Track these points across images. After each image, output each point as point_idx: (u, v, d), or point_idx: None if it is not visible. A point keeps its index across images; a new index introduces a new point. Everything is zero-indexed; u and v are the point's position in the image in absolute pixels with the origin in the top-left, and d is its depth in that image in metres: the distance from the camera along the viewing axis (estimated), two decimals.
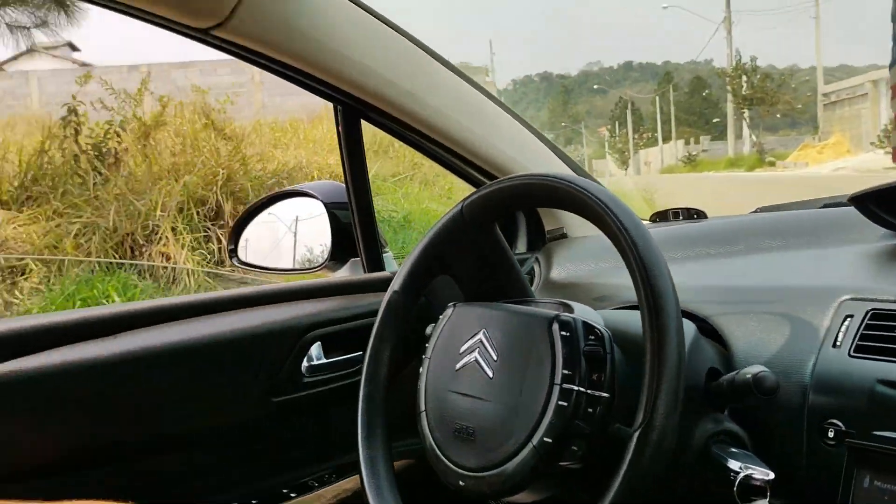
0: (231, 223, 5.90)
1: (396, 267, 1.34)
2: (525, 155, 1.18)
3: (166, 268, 5.62)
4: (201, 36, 0.91)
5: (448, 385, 0.86)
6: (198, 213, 6.15)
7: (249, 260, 1.36)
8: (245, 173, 6.67)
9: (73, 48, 17.94)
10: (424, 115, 1.11)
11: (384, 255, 1.30)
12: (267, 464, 1.18)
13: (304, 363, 1.16)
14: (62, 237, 5.77)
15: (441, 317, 0.93)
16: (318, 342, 1.17)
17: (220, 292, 1.17)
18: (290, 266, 1.36)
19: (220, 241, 5.96)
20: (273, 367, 1.12)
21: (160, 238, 5.85)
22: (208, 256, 5.88)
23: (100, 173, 6.50)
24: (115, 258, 5.68)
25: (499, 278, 0.94)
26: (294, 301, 1.19)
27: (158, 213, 6.00)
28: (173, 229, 5.92)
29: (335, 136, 1.22)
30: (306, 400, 1.16)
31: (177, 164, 6.68)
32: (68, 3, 5.91)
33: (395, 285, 0.97)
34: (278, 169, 7.10)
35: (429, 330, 1.00)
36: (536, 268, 1.33)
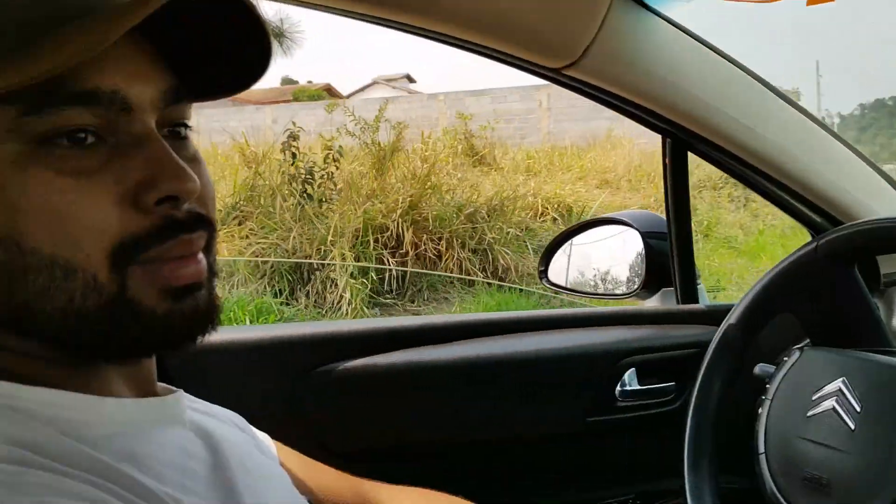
0: (411, 250, 5.83)
1: (709, 300, 1.32)
2: (870, 193, 1.10)
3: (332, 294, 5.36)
4: (552, 75, 0.97)
5: (797, 431, 0.83)
6: (376, 239, 5.84)
7: (558, 281, 1.41)
8: (438, 200, 6.37)
9: (410, 80, 20.23)
10: (755, 146, 1.08)
11: (698, 287, 1.28)
12: (573, 479, 1.22)
13: (618, 387, 1.18)
14: (242, 253, 5.78)
15: (785, 358, 0.90)
16: (633, 368, 1.19)
17: (546, 311, 1.23)
18: (600, 291, 1.39)
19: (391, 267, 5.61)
20: (589, 386, 1.16)
21: (330, 263, 5.56)
22: (368, 284, 5.45)
23: (308, 196, 6.45)
24: (288, 279, 5.54)
25: (851, 323, 0.89)
26: (611, 326, 1.22)
27: (330, 237, 5.74)
28: (343, 256, 5.58)
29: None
30: (618, 423, 1.18)
31: (374, 190, 6.49)
32: (286, 36, 6.44)
33: (732, 318, 0.96)
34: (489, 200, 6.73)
35: (758, 370, 0.97)
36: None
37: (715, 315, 1.22)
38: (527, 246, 6.25)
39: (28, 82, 0.42)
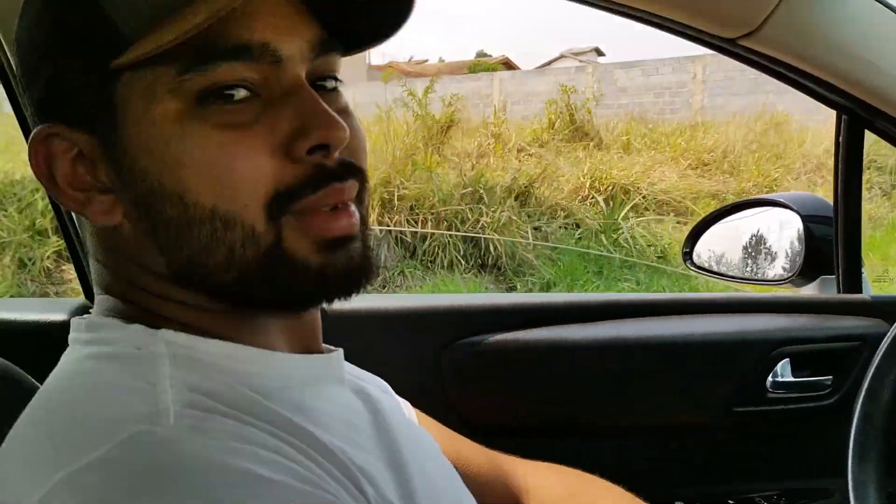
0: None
1: (872, 290, 1.23)
2: None
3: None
4: (726, 46, 0.92)
5: None
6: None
7: (705, 264, 1.35)
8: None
9: (599, 53, 19.86)
10: None
11: (862, 275, 1.20)
12: (717, 471, 1.18)
13: (770, 378, 1.13)
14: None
15: None
16: (787, 359, 1.13)
17: (696, 294, 1.19)
18: (750, 276, 1.32)
19: None
20: (739, 376, 1.11)
21: None
22: None
23: None
24: None
25: None
26: (763, 313, 1.16)
27: None
28: None
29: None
30: (768, 416, 1.13)
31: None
32: None
33: None
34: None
35: None
36: None
37: (882, 307, 1.14)
38: (519, 232, 5.84)
39: (183, 38, 0.43)
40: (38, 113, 0.50)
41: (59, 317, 1.14)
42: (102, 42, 0.46)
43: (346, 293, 0.50)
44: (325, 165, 0.48)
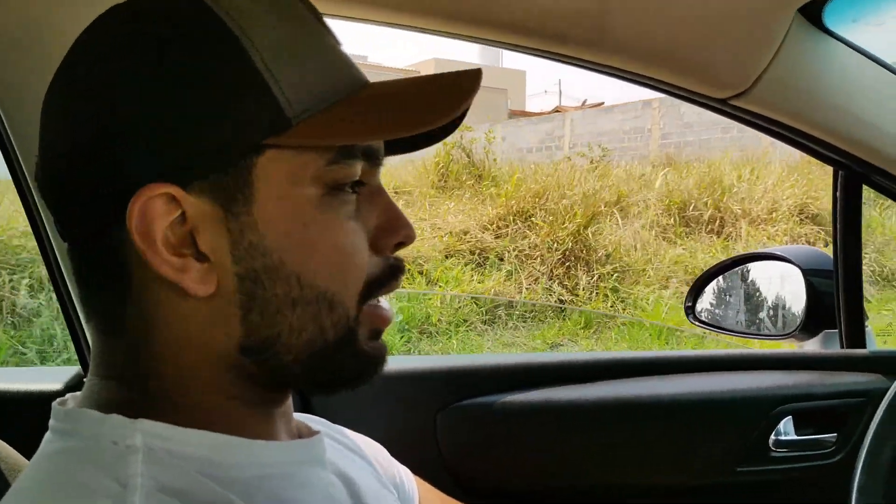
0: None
1: (877, 344, 1.21)
2: None
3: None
4: (717, 105, 0.93)
5: None
6: None
7: (706, 319, 1.34)
8: None
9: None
10: None
11: (866, 329, 1.19)
12: None
13: (773, 436, 1.11)
14: None
15: None
16: (790, 416, 1.11)
17: (696, 352, 1.18)
18: (754, 331, 1.31)
19: None
20: (741, 434, 1.09)
21: None
22: None
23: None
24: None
25: None
26: (766, 370, 1.15)
27: None
28: None
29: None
30: (772, 475, 1.11)
31: None
32: None
33: None
34: None
35: None
36: None
37: (886, 362, 1.13)
38: None
39: (373, 138, 0.50)
40: (142, 170, 0.46)
41: (52, 387, 1.13)
42: (258, 115, 0.47)
43: (372, 378, 0.54)
44: (399, 261, 0.54)
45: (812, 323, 1.22)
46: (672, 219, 7.06)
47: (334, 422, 0.71)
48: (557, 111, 12.75)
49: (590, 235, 6.18)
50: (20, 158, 0.96)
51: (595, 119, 10.70)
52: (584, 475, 1.10)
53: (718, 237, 6.89)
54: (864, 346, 1.18)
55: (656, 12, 0.80)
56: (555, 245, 6.06)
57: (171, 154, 0.46)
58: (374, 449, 0.72)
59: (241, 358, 0.49)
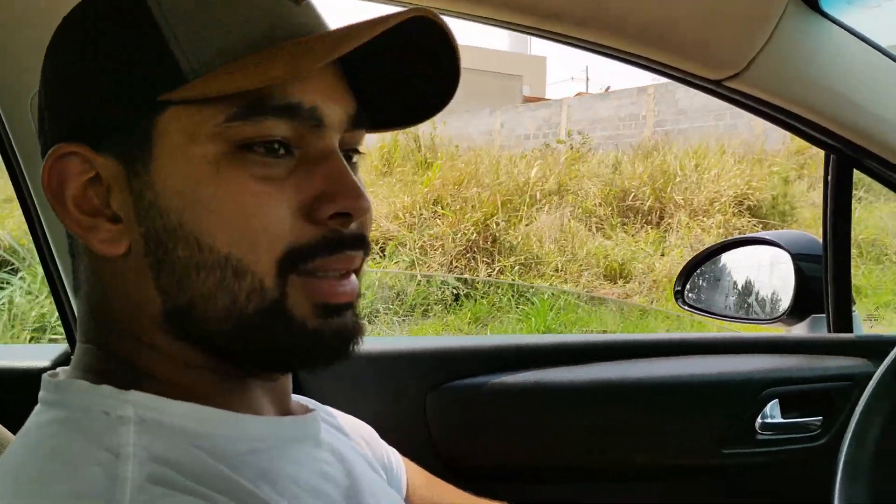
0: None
1: (863, 329, 1.22)
2: None
3: None
4: (712, 87, 0.92)
5: None
6: None
7: (696, 304, 1.35)
8: None
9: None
10: None
11: (853, 314, 1.19)
12: None
13: (759, 419, 1.11)
14: None
15: None
16: (776, 400, 1.12)
17: (683, 335, 1.18)
18: (742, 315, 1.32)
19: None
20: (728, 417, 1.10)
21: None
22: None
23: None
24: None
25: None
26: (754, 353, 1.15)
27: None
28: None
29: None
30: (758, 458, 1.11)
31: None
32: None
33: None
34: None
35: None
36: None
37: (872, 346, 1.13)
38: None
39: (251, 87, 0.44)
40: (58, 130, 0.49)
41: (41, 363, 1.13)
42: (156, 73, 0.46)
43: (334, 359, 0.50)
44: (342, 232, 0.49)
45: (800, 307, 1.23)
46: (610, 209, 6.99)
47: (323, 402, 0.70)
48: (580, 95, 12.64)
49: (493, 225, 6.08)
50: (14, 146, 0.98)
51: (592, 105, 10.62)
52: (573, 456, 1.10)
53: (657, 228, 6.82)
54: (850, 331, 1.18)
55: None
56: (458, 235, 5.97)
57: (78, 113, 0.48)
58: (363, 430, 0.72)
59: (168, 323, 0.49)
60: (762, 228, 6.50)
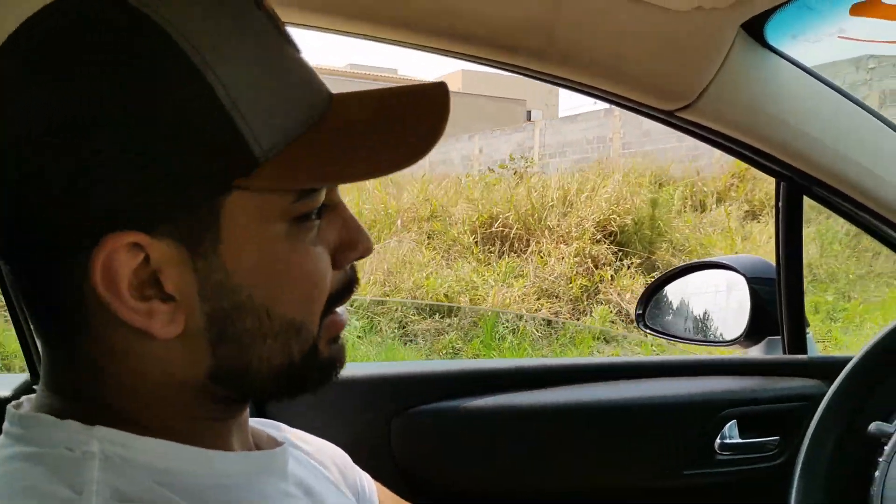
0: None
1: (817, 350, 1.25)
2: None
3: None
4: (665, 117, 0.95)
5: None
6: None
7: (657, 327, 1.37)
8: None
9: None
10: (881, 193, 1.03)
11: (807, 336, 1.22)
12: None
13: (718, 440, 1.13)
14: None
15: None
16: (734, 420, 1.14)
17: (643, 358, 1.20)
18: (700, 338, 1.35)
19: None
20: (687, 438, 1.12)
21: None
22: None
23: None
24: None
25: None
26: (712, 375, 1.18)
27: None
28: None
29: None
30: (718, 478, 1.13)
31: None
32: None
33: (849, 372, 0.91)
34: None
35: (873, 429, 0.92)
36: None
37: (825, 367, 1.16)
38: None
39: (357, 180, 0.49)
40: (88, 214, 0.43)
41: (2, 393, 1.11)
42: (228, 157, 0.44)
43: (334, 377, 0.54)
44: (354, 271, 0.54)
45: (756, 330, 1.26)
46: (474, 237, 6.86)
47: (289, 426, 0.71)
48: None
49: None
50: None
51: (561, 128, 10.71)
52: (536, 478, 1.11)
53: (521, 256, 6.67)
54: (805, 352, 1.21)
55: (603, 26, 0.82)
56: None
57: (136, 201, 0.44)
58: (334, 454, 0.72)
59: (211, 385, 0.49)
60: (621, 254, 6.40)
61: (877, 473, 0.84)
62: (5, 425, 0.49)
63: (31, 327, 1.07)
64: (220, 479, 0.50)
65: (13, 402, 0.51)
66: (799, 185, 1.09)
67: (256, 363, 0.49)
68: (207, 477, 0.49)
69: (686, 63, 0.87)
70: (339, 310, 0.54)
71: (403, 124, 0.49)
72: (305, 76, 0.49)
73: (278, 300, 0.48)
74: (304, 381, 0.52)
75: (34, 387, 0.52)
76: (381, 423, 1.08)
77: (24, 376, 1.18)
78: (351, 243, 0.52)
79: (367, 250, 0.53)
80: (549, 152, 9.91)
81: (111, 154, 0.43)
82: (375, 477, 0.78)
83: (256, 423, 0.62)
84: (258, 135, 0.45)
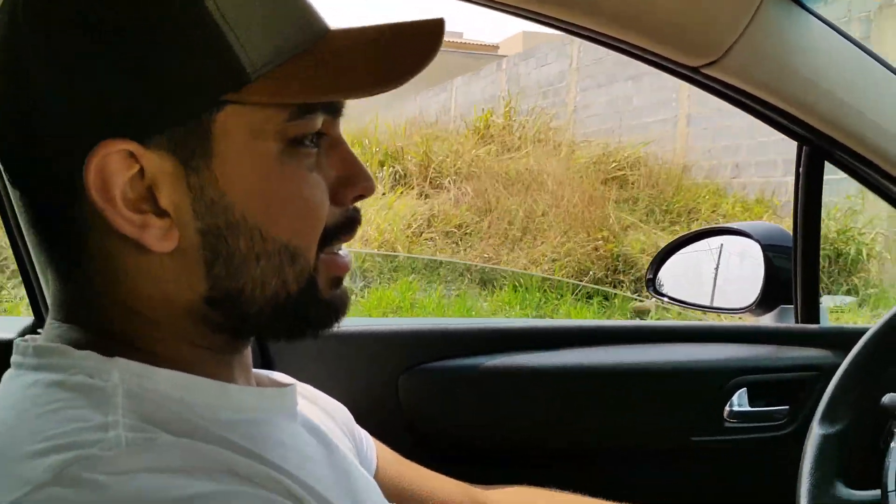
0: None
1: (829, 320, 1.24)
2: None
3: None
4: (689, 73, 0.92)
5: None
6: None
7: (667, 292, 1.35)
8: None
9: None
10: None
11: (820, 306, 1.21)
12: (674, 497, 1.17)
13: (727, 407, 1.12)
14: None
15: None
16: (744, 388, 1.13)
17: (654, 323, 1.19)
18: (712, 304, 1.33)
19: None
20: (697, 405, 1.11)
21: None
22: None
23: None
24: None
25: None
26: (723, 342, 1.16)
27: None
28: None
29: None
30: (724, 444, 1.13)
31: None
32: None
33: (866, 343, 0.89)
34: None
35: (887, 400, 0.91)
36: None
37: (837, 337, 1.15)
38: None
39: (342, 95, 0.50)
40: (86, 119, 0.45)
41: (5, 335, 1.10)
42: (218, 71, 0.45)
43: (335, 324, 0.54)
44: (357, 213, 0.54)
45: (769, 298, 1.24)
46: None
47: (297, 379, 0.70)
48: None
49: None
50: None
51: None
52: (544, 438, 1.11)
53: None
54: (818, 322, 1.20)
55: None
56: None
57: (128, 109, 0.45)
58: (336, 407, 0.72)
59: (207, 309, 0.49)
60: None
61: (892, 444, 0.82)
62: (16, 357, 0.50)
63: (39, 263, 1.06)
64: (238, 413, 0.50)
65: (22, 338, 0.51)
66: (820, 150, 1.06)
67: (251, 286, 0.49)
68: (225, 410, 0.49)
69: (714, 17, 0.84)
70: (342, 252, 0.54)
71: (397, 48, 0.50)
72: (303, 4, 0.51)
73: (272, 222, 0.48)
74: (303, 322, 0.52)
75: (39, 330, 0.51)
76: (391, 379, 1.08)
77: (30, 319, 1.17)
78: (350, 179, 0.53)
79: (367, 189, 0.53)
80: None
81: (100, 62, 0.44)
82: (382, 431, 0.78)
83: (258, 372, 0.62)
84: (249, 51, 0.46)
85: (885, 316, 0.91)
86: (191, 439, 0.44)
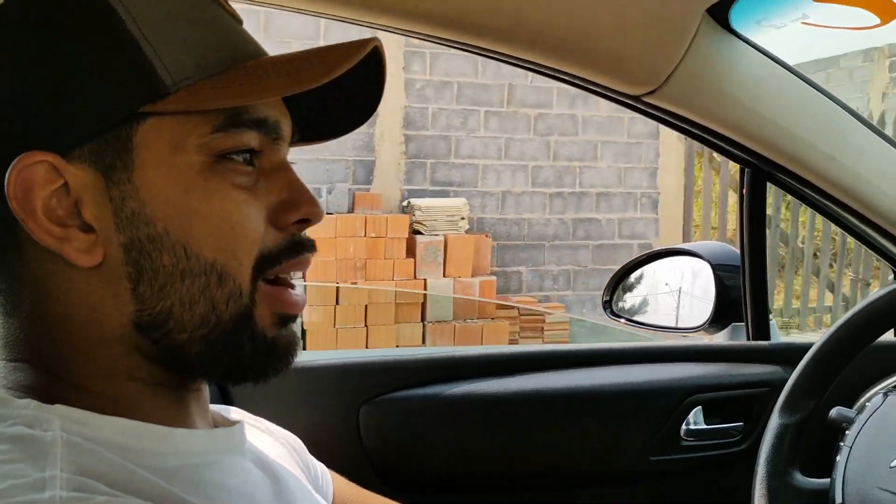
0: None
1: (780, 337, 1.27)
2: None
3: None
4: (631, 102, 0.95)
5: (878, 482, 0.79)
6: None
7: (623, 314, 1.38)
8: None
9: None
10: (840, 178, 1.04)
11: (770, 322, 1.24)
12: None
13: (683, 426, 1.14)
14: None
15: (867, 403, 0.85)
16: (699, 406, 1.15)
17: (609, 345, 1.20)
18: (666, 324, 1.35)
19: None
20: (654, 425, 1.12)
21: None
22: None
23: None
24: None
25: None
26: (677, 362, 1.18)
27: None
28: None
29: None
30: (683, 463, 1.14)
31: None
32: None
33: (811, 358, 0.91)
34: None
35: (834, 414, 0.93)
36: None
37: (787, 353, 1.18)
38: None
39: (251, 101, 0.49)
40: (10, 133, 0.47)
41: None
42: (136, 84, 0.46)
43: (281, 370, 0.53)
44: (302, 237, 0.53)
45: (721, 316, 1.26)
46: None
47: (255, 415, 0.70)
48: None
49: None
50: None
51: None
52: (505, 465, 1.11)
53: None
54: (768, 338, 1.23)
55: (570, 8, 0.81)
56: None
57: (47, 122, 0.46)
58: (291, 440, 0.72)
59: (137, 336, 0.49)
60: None
61: (838, 458, 0.85)
62: None
63: None
64: (184, 458, 0.49)
65: None
66: (762, 172, 1.10)
67: (178, 308, 0.48)
68: (171, 456, 0.48)
69: (652, 47, 0.87)
70: (295, 291, 0.53)
71: (317, 56, 0.50)
72: (234, 31, 0.52)
73: (195, 238, 0.48)
74: (238, 355, 0.50)
75: None
76: (350, 411, 1.07)
77: None
78: (293, 203, 0.52)
79: (311, 213, 0.52)
80: None
81: (17, 74, 0.46)
82: (343, 464, 0.78)
83: (212, 407, 0.61)
84: (168, 64, 0.47)
85: (828, 331, 0.93)
86: (129, 496, 0.43)
